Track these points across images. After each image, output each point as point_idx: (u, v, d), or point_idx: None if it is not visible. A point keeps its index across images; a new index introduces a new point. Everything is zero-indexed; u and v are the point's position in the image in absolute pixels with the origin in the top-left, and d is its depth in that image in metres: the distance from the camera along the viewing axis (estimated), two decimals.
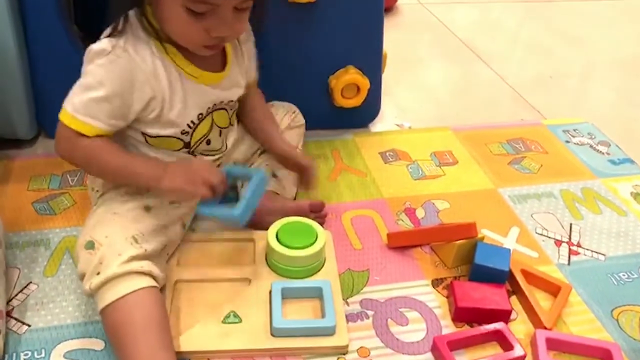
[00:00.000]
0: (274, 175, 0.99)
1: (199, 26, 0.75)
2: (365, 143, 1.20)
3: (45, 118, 1.10)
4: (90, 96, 0.75)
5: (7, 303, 0.79)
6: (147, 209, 0.81)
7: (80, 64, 0.79)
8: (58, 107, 0.78)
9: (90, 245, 0.74)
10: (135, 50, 0.77)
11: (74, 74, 0.80)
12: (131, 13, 0.78)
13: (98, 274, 0.72)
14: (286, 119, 1.05)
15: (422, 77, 1.54)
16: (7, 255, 0.85)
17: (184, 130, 0.84)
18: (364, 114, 1.24)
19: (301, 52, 1.11)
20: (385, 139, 1.22)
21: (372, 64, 1.17)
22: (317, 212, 0.95)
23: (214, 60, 0.86)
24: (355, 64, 1.14)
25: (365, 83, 1.14)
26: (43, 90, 1.07)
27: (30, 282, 0.84)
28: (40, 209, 0.97)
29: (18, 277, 0.84)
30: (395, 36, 1.57)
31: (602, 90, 1.55)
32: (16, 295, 0.82)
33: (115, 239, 0.74)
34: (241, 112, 0.97)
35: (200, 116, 0.85)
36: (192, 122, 0.84)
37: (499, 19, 1.98)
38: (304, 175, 0.94)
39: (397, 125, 1.29)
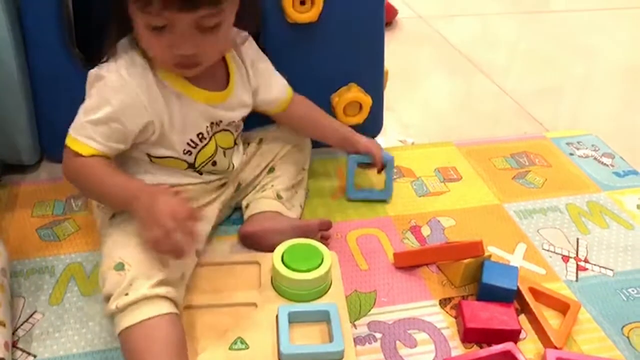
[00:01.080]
0: (279, 197, 0.99)
1: (161, 43, 0.75)
2: None
3: (49, 142, 1.10)
4: (87, 118, 0.78)
5: (13, 333, 0.79)
6: None
7: (82, 87, 0.82)
8: (61, 131, 0.80)
9: (120, 267, 0.73)
10: (130, 74, 0.78)
11: (77, 97, 0.81)
12: (126, 38, 0.81)
13: (126, 294, 0.71)
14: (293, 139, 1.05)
15: (424, 91, 1.54)
16: (12, 284, 0.85)
17: (185, 149, 0.84)
18: (366, 131, 1.22)
19: (303, 71, 1.11)
20: None
21: (374, 81, 1.17)
22: (326, 230, 0.96)
23: (214, 78, 0.86)
24: (357, 81, 1.14)
25: (367, 100, 1.14)
26: (46, 115, 1.07)
27: (36, 311, 0.83)
28: (45, 235, 0.96)
29: (23, 306, 0.84)
30: (395, 50, 1.57)
31: (605, 101, 1.54)
32: (21, 325, 0.81)
33: (144, 262, 0.74)
34: (289, 123, 1.02)
35: (200, 136, 0.85)
36: (191, 140, 0.84)
37: (498, 31, 1.99)
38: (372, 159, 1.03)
39: (400, 141, 1.28)
